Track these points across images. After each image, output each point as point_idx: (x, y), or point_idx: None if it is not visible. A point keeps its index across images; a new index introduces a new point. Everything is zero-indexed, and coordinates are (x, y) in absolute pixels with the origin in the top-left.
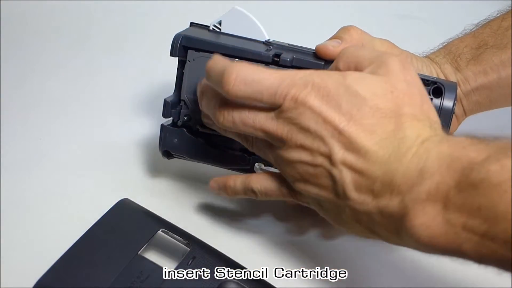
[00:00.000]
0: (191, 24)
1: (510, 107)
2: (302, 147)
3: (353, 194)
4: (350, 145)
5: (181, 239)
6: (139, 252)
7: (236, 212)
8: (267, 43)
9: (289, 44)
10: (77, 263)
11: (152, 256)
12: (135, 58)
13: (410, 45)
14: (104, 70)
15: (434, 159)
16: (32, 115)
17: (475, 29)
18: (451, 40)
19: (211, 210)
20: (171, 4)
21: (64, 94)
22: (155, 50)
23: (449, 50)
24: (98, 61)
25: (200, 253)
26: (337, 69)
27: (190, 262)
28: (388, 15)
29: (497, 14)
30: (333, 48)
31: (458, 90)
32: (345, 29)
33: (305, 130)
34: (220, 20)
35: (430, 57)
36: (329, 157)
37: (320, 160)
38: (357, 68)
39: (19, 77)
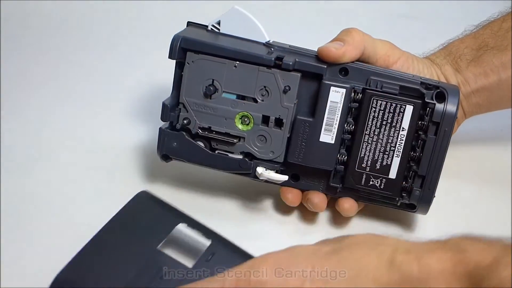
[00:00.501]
0: (189, 23)
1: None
2: None
3: None
4: None
5: (201, 233)
6: (158, 247)
7: (237, 215)
8: (268, 45)
9: (290, 46)
10: (96, 257)
11: (171, 251)
12: (135, 58)
13: (410, 45)
14: (104, 70)
15: (435, 265)
16: (32, 115)
17: (475, 30)
18: (451, 41)
19: (212, 213)
20: (171, 4)
21: (65, 95)
22: (155, 51)
23: (449, 51)
24: (98, 61)
25: (220, 248)
26: None
27: (209, 258)
28: (388, 15)
29: (498, 15)
30: (336, 50)
31: None
32: (346, 31)
33: None
34: (219, 20)
35: (430, 58)
36: None
37: None
38: None
39: (19, 77)
